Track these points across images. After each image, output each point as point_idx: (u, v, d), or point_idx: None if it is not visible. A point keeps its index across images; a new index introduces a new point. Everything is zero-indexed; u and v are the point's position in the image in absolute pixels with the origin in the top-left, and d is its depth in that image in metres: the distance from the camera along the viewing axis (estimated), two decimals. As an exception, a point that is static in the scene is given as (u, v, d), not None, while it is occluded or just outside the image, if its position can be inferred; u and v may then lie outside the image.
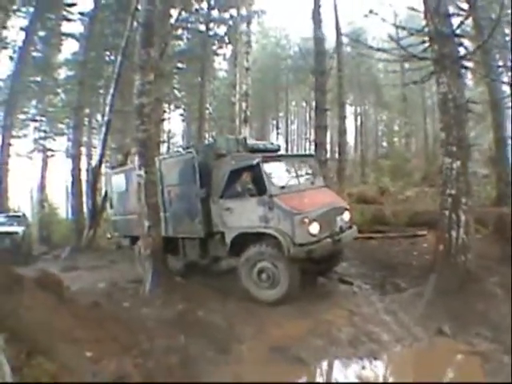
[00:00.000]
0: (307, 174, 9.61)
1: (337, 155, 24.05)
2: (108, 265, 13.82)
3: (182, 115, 37.84)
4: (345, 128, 24.33)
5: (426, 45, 8.27)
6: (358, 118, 44.70)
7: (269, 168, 8.59)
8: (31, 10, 22.37)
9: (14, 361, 3.77)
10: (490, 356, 5.31)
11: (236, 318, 7.31)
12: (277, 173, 8.76)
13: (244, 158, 9.12)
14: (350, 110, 44.35)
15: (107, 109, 19.02)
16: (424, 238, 11.82)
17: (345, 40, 24.18)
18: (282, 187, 8.53)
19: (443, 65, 7.66)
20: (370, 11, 9.11)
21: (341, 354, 5.96)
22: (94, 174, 19.18)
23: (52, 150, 30.20)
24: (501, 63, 15.97)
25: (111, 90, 18.79)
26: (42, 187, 30.09)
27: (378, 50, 10.27)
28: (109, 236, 13.64)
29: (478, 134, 25.88)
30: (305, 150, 44.05)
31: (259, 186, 8.46)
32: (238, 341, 6.45)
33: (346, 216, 9.23)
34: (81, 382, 3.14)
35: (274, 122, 52.23)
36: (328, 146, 33.53)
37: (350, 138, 45.10)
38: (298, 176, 9.31)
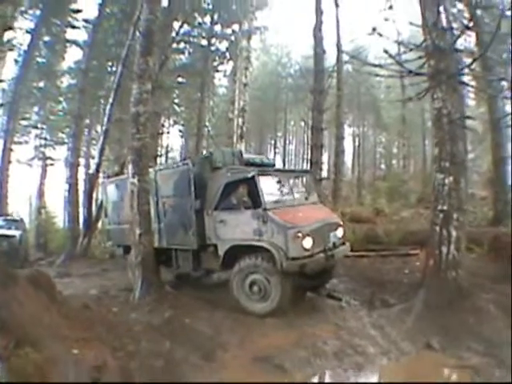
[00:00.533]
0: (302, 189, 9.83)
1: (333, 175, 24.10)
2: (101, 273, 13.84)
3: (180, 131, 37.97)
4: (342, 148, 24.52)
5: (423, 60, 8.27)
6: (356, 139, 44.92)
7: (264, 182, 8.64)
8: (38, 12, 22.56)
9: (2, 350, 3.84)
10: (482, 369, 5.27)
11: (222, 327, 7.36)
12: (272, 187, 8.87)
13: (240, 170, 9.13)
14: (348, 131, 44.62)
15: (105, 118, 19.16)
16: (416, 256, 11.71)
17: (345, 58, 24.29)
18: (277, 201, 8.69)
19: (439, 80, 7.71)
20: (373, 29, 9.17)
21: (325, 365, 5.95)
22: (91, 182, 19.29)
23: (51, 159, 30.16)
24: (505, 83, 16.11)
25: (110, 100, 18.96)
26: (40, 195, 30.10)
27: (376, 65, 10.35)
28: (106, 245, 13.79)
29: (478, 155, 26.06)
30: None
31: (254, 199, 8.55)
32: (223, 349, 6.47)
33: (340, 232, 9.29)
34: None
35: (272, 142, 52.41)
36: (325, 166, 33.79)
37: (348, 158, 45.40)
38: (292, 191, 9.45)
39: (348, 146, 44.04)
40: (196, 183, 9.31)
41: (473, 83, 11.77)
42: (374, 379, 5.89)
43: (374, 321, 7.49)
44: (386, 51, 8.60)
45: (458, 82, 8.14)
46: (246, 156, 10.45)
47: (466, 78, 9.82)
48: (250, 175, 8.56)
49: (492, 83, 15.06)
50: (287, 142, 52.81)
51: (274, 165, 11.21)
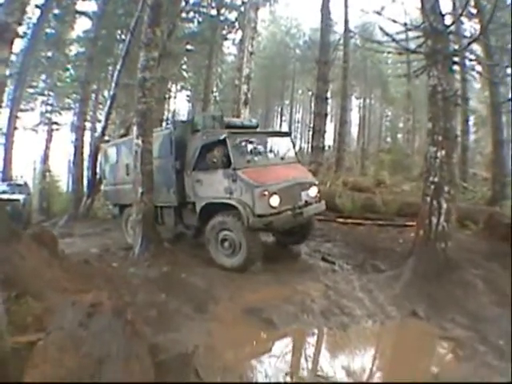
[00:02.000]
0: (278, 150, 10.04)
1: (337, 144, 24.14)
2: (102, 232, 14.10)
3: (187, 96, 38.00)
4: (346, 119, 24.52)
5: (423, 40, 8.40)
6: (362, 111, 44.75)
7: (236, 143, 9.08)
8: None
9: (4, 301, 3.98)
10: (464, 343, 5.34)
11: (216, 282, 7.69)
12: (244, 148, 9.28)
13: (214, 133, 9.55)
14: (355, 103, 44.48)
15: (113, 83, 19.18)
16: (412, 227, 11.76)
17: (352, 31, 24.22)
18: (248, 161, 9.05)
19: (435, 59, 7.82)
20: (382, 9, 9.26)
21: (312, 322, 6.21)
22: (96, 145, 19.17)
23: (57, 124, 30.66)
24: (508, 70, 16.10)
25: (118, 66, 18.95)
26: (45, 159, 30.49)
27: (376, 42, 10.46)
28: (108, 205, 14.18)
29: (481, 137, 26.04)
30: (307, 137, 44.18)
31: (226, 159, 8.91)
32: (215, 302, 6.79)
33: (313, 191, 9.61)
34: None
35: (279, 110, 52.29)
36: (330, 135, 33.78)
37: (354, 130, 45.32)
38: (266, 152, 9.85)
39: (354, 117, 44.03)
40: (177, 145, 9.88)
41: (473, 65, 11.87)
42: (359, 340, 5.94)
43: (364, 284, 7.67)
44: (381, 28, 8.83)
45: (452, 62, 8.19)
46: (226, 119, 10.80)
47: (466, 61, 9.98)
48: (222, 137, 8.96)
49: (493, 68, 15.13)
50: (294, 110, 52.70)
51: (256, 127, 11.46)
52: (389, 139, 45.10)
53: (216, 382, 4.45)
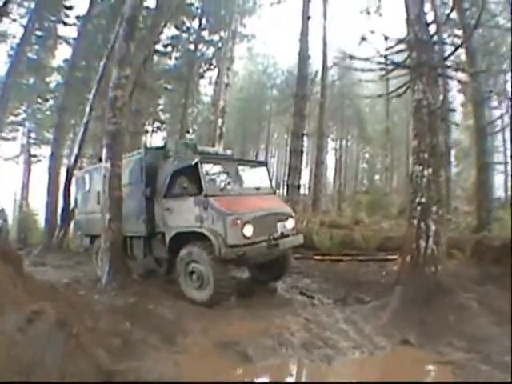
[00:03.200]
0: (254, 180, 9.67)
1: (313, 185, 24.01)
2: (74, 265, 13.79)
3: (164, 137, 38.08)
4: (322, 159, 24.42)
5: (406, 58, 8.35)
6: (338, 152, 44.94)
7: (208, 169, 8.72)
8: (32, 5, 22.69)
9: None
10: (465, 365, 4.93)
11: (186, 315, 7.13)
12: (217, 175, 8.93)
13: (185, 158, 9.16)
14: (331, 145, 44.71)
15: (87, 109, 18.96)
16: (395, 262, 11.46)
17: (330, 64, 24.50)
18: (221, 189, 8.66)
19: (420, 72, 7.68)
20: (363, 38, 9.18)
21: (291, 355, 5.65)
22: (69, 174, 18.94)
23: (36, 156, 30.54)
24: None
25: (93, 91, 18.78)
26: (23, 192, 30.71)
27: (359, 59, 10.24)
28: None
29: (462, 169, 26.09)
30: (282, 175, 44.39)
31: (197, 186, 8.54)
32: (185, 334, 6.23)
33: (290, 223, 9.23)
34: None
35: (255, 153, 52.43)
36: (307, 176, 33.70)
37: (330, 174, 45.46)
38: (241, 181, 9.47)
39: (331, 160, 44.20)
40: (148, 172, 9.50)
41: (457, 76, 11.88)
42: (347, 372, 5.39)
43: (347, 316, 7.16)
44: (363, 38, 8.69)
45: (438, 74, 8.18)
46: (200, 148, 10.27)
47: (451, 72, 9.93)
48: (193, 162, 8.58)
49: (478, 84, 15.13)
50: (269, 154, 52.85)
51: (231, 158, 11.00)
52: (365, 181, 45.37)
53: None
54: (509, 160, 23.31)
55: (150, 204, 9.45)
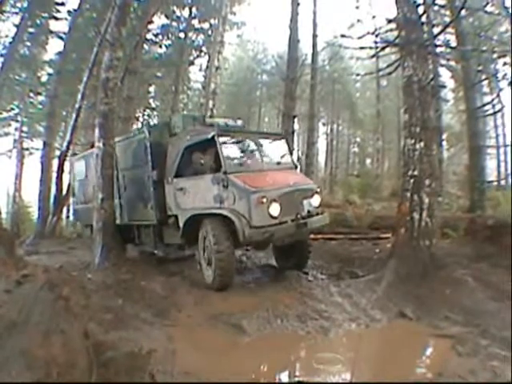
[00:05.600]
0: (274, 153, 8.83)
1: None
2: (67, 251, 13.54)
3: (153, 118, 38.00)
4: (313, 140, 24.34)
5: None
6: (329, 136, 44.83)
7: (226, 143, 7.90)
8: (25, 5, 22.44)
9: None
10: (464, 339, 4.81)
11: (179, 290, 7.13)
12: (235, 149, 8.17)
13: (199, 132, 8.35)
14: (322, 130, 44.65)
15: (79, 96, 18.89)
16: (388, 240, 11.41)
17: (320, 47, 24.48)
18: (241, 165, 7.80)
19: (410, 49, 7.65)
20: (352, 25, 9.20)
21: (286, 326, 5.59)
22: (61, 160, 18.91)
23: (28, 150, 30.31)
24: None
25: (85, 78, 18.70)
26: (16, 185, 30.28)
27: (351, 38, 10.17)
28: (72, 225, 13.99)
29: (454, 153, 26.08)
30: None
31: (215, 162, 7.75)
32: (178, 308, 6.22)
33: (316, 200, 8.28)
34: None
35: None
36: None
37: (322, 158, 45.38)
38: (261, 155, 8.52)
39: (322, 144, 44.14)
40: (153, 151, 8.79)
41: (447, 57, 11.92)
42: (344, 343, 5.37)
43: (342, 290, 7.10)
44: (358, 20, 8.68)
45: (427, 52, 8.13)
46: (208, 120, 9.53)
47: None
48: (209, 136, 7.75)
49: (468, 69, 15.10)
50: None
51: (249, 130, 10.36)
52: (357, 165, 45.31)
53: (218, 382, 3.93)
54: (501, 145, 23.50)
55: (159, 187, 8.74)
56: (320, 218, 8.20)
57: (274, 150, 8.91)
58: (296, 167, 9.27)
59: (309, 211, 7.89)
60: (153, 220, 8.89)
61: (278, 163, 8.69)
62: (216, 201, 7.52)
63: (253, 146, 8.50)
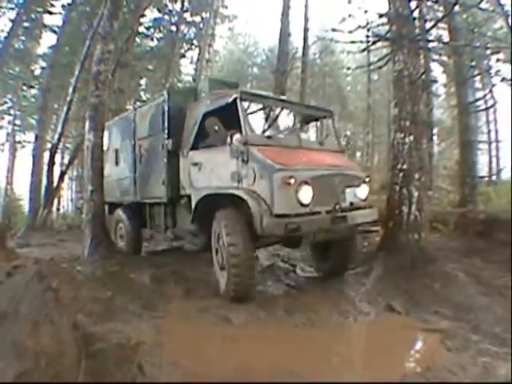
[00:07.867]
0: (316, 132, 7.82)
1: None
2: (58, 243, 13.63)
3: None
4: (303, 131, 24.39)
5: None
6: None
7: (251, 110, 6.78)
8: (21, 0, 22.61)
9: None
10: (454, 334, 4.78)
11: (169, 282, 7.03)
12: (263, 117, 7.12)
13: (221, 95, 6.83)
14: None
15: (70, 89, 18.90)
16: (377, 233, 11.44)
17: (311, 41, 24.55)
18: (268, 137, 6.37)
19: (401, 44, 7.72)
20: (343, 19, 9.27)
21: (273, 319, 5.55)
22: (52, 153, 19.00)
23: (20, 143, 30.54)
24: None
25: (76, 72, 18.71)
26: (8, 177, 30.73)
27: (342, 31, 10.12)
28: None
29: (444, 148, 26.17)
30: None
31: (236, 131, 6.19)
32: (167, 300, 6.19)
33: (363, 191, 6.72)
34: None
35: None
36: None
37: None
38: (298, 130, 7.44)
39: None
40: (171, 118, 7.55)
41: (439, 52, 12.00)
42: (330, 336, 5.16)
43: (329, 282, 7.13)
44: (350, 15, 8.78)
45: (419, 47, 8.27)
46: (244, 89, 7.32)
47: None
48: (230, 99, 6.33)
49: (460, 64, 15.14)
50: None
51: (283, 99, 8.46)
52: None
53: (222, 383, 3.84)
54: (492, 140, 23.64)
55: (173, 160, 7.49)
56: (366, 213, 6.66)
57: (318, 127, 8.08)
58: (343, 152, 7.69)
59: (351, 203, 6.36)
60: (163, 197, 7.75)
61: (321, 143, 7.45)
62: (233, 179, 6.11)
63: (287, 119, 7.65)
